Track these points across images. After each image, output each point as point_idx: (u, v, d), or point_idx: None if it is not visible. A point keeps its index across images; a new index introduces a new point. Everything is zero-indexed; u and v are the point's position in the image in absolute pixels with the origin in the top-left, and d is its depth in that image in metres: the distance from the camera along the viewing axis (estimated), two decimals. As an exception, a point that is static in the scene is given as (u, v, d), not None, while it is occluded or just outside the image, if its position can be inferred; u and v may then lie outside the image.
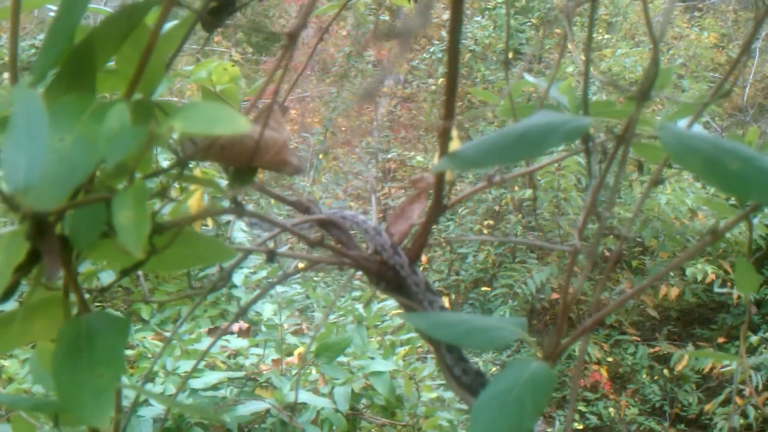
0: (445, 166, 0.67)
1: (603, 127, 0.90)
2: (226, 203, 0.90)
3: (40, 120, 0.45)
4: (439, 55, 8.75)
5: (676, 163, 0.64)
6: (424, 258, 8.27)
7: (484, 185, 0.87)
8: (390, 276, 0.79)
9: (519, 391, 0.65)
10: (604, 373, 7.10)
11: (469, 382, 0.76)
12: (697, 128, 1.16)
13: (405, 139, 11.86)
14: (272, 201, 7.48)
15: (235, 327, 2.71)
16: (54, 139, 0.51)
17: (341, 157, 11.64)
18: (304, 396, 2.05)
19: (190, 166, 1.56)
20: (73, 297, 0.65)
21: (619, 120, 0.99)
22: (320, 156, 8.94)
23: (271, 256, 0.79)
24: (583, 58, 0.76)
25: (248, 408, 1.97)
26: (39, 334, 0.65)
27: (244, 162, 0.68)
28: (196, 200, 0.90)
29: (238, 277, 2.87)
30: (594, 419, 6.89)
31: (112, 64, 0.66)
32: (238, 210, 0.67)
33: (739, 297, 7.15)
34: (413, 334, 2.74)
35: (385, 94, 11.97)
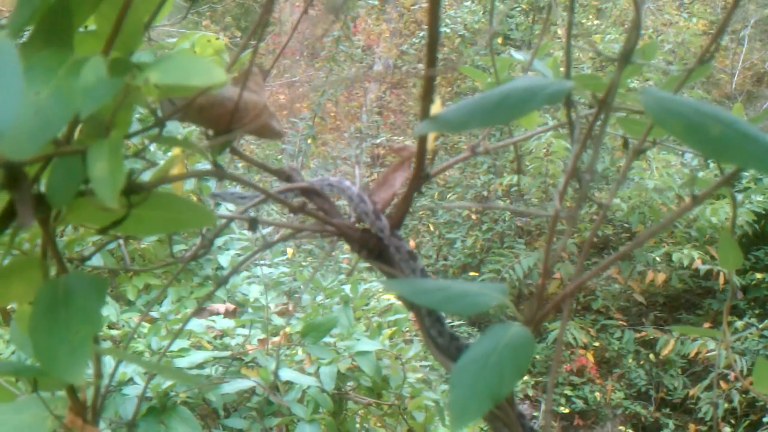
0: (426, 128, 0.67)
1: (588, 100, 0.90)
2: (217, 184, 0.89)
3: (13, 68, 0.45)
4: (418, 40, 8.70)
5: (658, 125, 0.64)
6: (412, 243, 8.28)
7: (467, 155, 0.87)
8: (372, 244, 0.78)
9: (499, 354, 0.65)
10: (591, 358, 7.14)
11: (450, 348, 0.76)
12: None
13: (394, 125, 11.85)
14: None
15: (222, 308, 2.70)
16: (30, 92, 0.51)
17: (330, 142, 11.62)
18: (290, 374, 2.04)
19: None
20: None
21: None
22: (309, 141, 8.91)
23: (253, 224, 0.79)
24: (566, 24, 0.76)
25: (233, 386, 1.96)
26: (17, 296, 0.64)
27: (223, 124, 0.67)
28: (177, 169, 0.89)
29: (224, 259, 2.86)
30: (580, 403, 6.93)
31: (92, 27, 0.66)
32: (219, 172, 0.66)
33: (725, 282, 7.19)
34: (400, 316, 2.74)
35: (375, 79, 11.94)
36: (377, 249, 0.78)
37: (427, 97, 0.69)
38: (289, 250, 4.51)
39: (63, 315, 0.54)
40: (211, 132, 0.69)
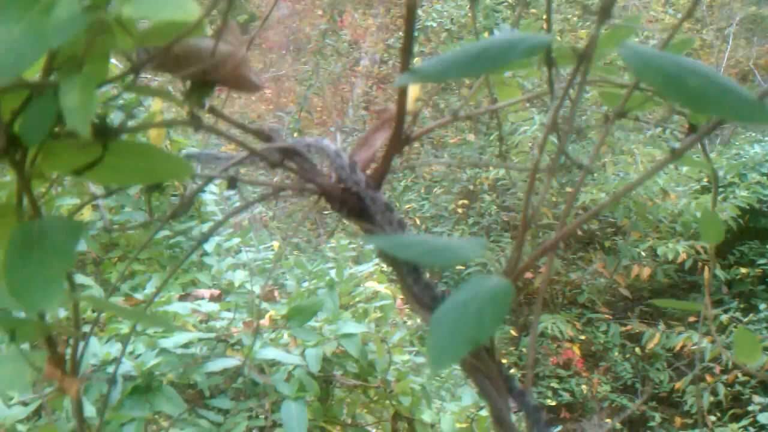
0: (406, 80, 0.67)
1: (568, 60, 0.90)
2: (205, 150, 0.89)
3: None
4: (415, 34, 8.69)
5: (639, 78, 0.64)
6: (399, 237, 8.27)
7: (449, 119, 0.87)
8: (353, 202, 0.78)
9: (479, 303, 0.65)
10: (577, 351, 7.17)
11: (424, 298, 0.77)
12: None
13: (381, 120, 11.82)
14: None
15: (207, 293, 2.69)
16: (2, 31, 0.50)
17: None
18: (275, 353, 2.04)
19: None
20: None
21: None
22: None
23: (232, 183, 0.79)
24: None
25: (218, 365, 1.96)
26: (-9, 244, 0.64)
27: (199, 75, 0.67)
28: (155, 132, 0.89)
29: (209, 245, 2.85)
30: (566, 396, 6.96)
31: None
32: (196, 122, 0.66)
33: (714, 277, 7.22)
34: (387, 302, 2.74)
35: (361, 74, 11.93)
36: (357, 206, 0.78)
37: (406, 50, 0.68)
38: (275, 243, 4.52)
39: (37, 253, 0.54)
40: (188, 83, 0.69)
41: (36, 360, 0.72)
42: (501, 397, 0.77)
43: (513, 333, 7.53)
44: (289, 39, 12.69)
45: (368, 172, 0.79)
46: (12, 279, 0.52)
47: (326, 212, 9.90)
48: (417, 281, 0.75)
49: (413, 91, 0.87)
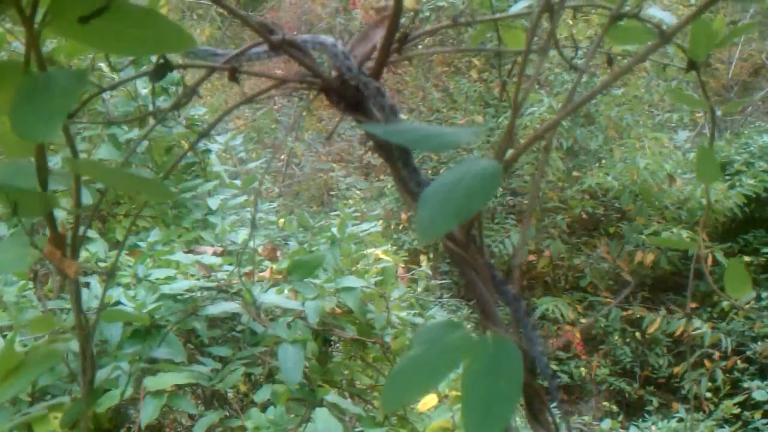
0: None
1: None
2: (194, 57, 0.91)
3: None
4: (427, 14, 8.64)
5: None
6: (404, 216, 8.30)
7: (449, 23, 0.88)
8: (350, 94, 0.80)
9: (469, 180, 0.66)
10: (578, 334, 7.19)
11: (411, 182, 0.78)
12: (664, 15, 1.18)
13: (390, 103, 11.80)
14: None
15: (210, 250, 2.71)
16: None
17: (326, 118, 11.63)
18: (276, 298, 2.06)
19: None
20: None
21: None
22: (303, 113, 8.90)
23: (234, 74, 0.80)
24: None
25: (218, 308, 1.98)
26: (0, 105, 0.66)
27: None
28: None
29: (213, 202, 2.88)
30: (565, 378, 6.98)
31: None
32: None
33: (716, 263, 7.19)
34: (388, 264, 2.75)
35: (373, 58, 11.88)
36: (354, 99, 0.80)
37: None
38: (281, 221, 4.55)
39: (42, 94, 0.56)
40: None
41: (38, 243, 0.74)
42: (487, 288, 0.79)
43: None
44: (301, 19, 12.68)
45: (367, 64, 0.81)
46: (17, 115, 0.54)
47: (332, 193, 9.92)
48: (406, 164, 0.77)
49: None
